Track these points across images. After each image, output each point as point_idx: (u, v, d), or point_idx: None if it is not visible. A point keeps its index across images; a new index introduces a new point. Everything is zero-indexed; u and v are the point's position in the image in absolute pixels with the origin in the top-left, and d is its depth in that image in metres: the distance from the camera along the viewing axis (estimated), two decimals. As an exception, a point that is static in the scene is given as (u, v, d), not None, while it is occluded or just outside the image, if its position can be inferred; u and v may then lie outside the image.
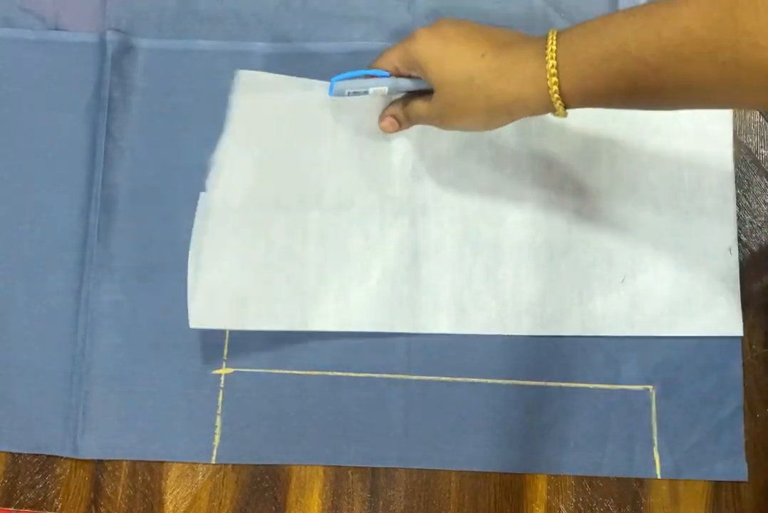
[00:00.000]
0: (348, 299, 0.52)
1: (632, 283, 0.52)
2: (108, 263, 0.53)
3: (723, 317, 0.51)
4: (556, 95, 0.40)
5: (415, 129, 0.53)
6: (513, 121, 0.45)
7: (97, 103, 0.55)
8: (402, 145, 0.53)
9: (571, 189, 0.53)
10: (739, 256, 0.53)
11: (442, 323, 0.52)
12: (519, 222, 0.53)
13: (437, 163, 0.53)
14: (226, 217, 0.51)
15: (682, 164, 0.53)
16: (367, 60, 0.55)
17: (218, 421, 0.51)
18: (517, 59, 0.41)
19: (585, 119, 0.53)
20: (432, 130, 0.50)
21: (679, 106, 0.40)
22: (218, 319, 0.50)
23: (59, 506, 0.51)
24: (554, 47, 0.40)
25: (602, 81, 0.39)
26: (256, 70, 0.53)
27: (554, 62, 0.39)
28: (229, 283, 0.50)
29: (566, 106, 0.41)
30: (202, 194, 0.51)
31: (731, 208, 0.53)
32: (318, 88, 0.51)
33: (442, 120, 0.47)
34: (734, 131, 0.54)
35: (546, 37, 0.41)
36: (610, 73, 0.38)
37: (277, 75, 0.52)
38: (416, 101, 0.48)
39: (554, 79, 0.40)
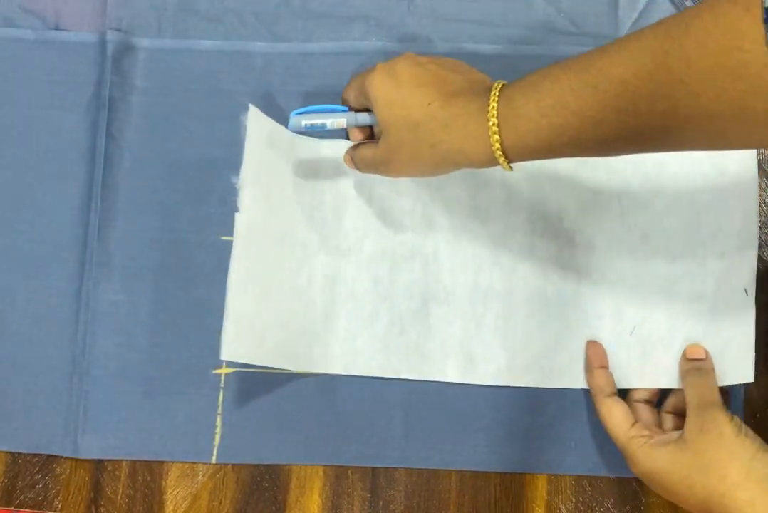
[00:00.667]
0: (355, 343, 0.52)
1: (641, 334, 0.50)
2: (108, 263, 0.53)
3: (734, 365, 0.49)
4: (498, 152, 0.40)
5: None
6: (458, 169, 0.44)
7: (97, 102, 0.55)
8: (411, 189, 0.52)
9: (582, 240, 0.52)
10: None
11: (450, 372, 0.51)
12: (530, 272, 0.52)
13: (449, 206, 0.52)
14: (253, 244, 0.48)
15: (701, 210, 0.51)
16: (366, 60, 0.55)
17: (218, 421, 0.51)
18: (461, 112, 0.41)
19: (595, 168, 0.52)
20: None
21: (626, 153, 0.40)
22: (244, 353, 0.47)
23: (59, 506, 0.51)
24: (495, 104, 0.40)
25: (544, 136, 0.39)
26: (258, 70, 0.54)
27: (495, 120, 0.39)
28: (252, 315, 0.48)
29: (510, 161, 0.41)
30: (237, 215, 0.48)
31: (753, 248, 0.50)
32: (323, 143, 0.53)
33: (386, 165, 0.46)
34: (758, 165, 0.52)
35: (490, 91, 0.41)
36: (552, 128, 0.38)
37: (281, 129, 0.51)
38: (364, 147, 0.48)
39: (496, 136, 0.40)
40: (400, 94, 0.43)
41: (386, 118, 0.44)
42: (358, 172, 0.49)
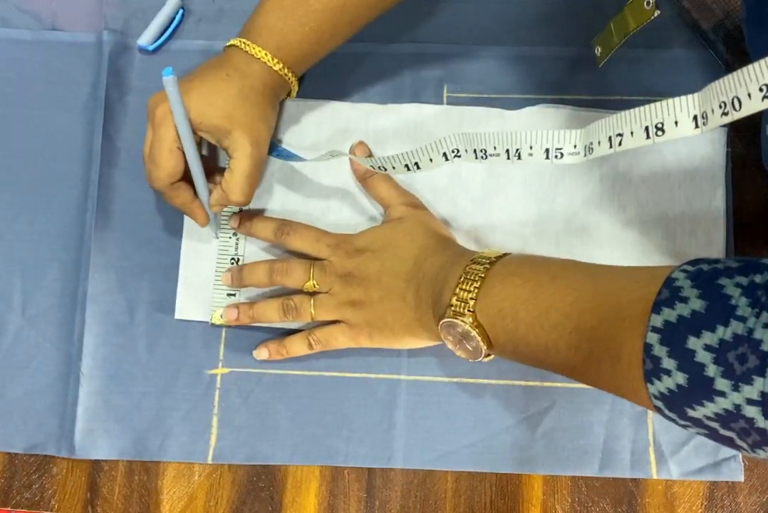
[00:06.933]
0: None
1: None
2: (104, 263, 0.53)
3: None
4: (286, 70, 0.49)
5: (407, 133, 0.54)
6: None
7: (94, 103, 0.55)
8: (393, 150, 0.53)
9: (562, 203, 0.53)
10: (735, 253, 0.53)
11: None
12: (510, 233, 0.52)
13: (431, 171, 0.53)
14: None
15: (673, 187, 0.53)
16: (366, 60, 0.55)
17: (214, 421, 0.51)
18: None
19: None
20: (425, 134, 0.52)
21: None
22: (201, 312, 0.52)
23: (56, 506, 0.51)
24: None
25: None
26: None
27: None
28: (212, 279, 0.52)
29: (294, 73, 0.49)
30: None
31: (720, 232, 0.52)
32: (288, 101, 0.54)
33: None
34: (727, 153, 0.53)
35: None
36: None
37: None
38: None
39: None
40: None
41: None
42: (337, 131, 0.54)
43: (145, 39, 0.54)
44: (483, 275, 0.42)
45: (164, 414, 0.52)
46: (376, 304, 0.47)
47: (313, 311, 0.49)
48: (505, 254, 0.44)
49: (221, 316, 0.51)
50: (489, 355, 0.44)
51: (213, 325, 0.52)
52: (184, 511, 0.51)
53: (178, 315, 0.52)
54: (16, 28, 0.56)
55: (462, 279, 0.42)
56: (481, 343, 0.42)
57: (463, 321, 0.42)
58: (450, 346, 0.44)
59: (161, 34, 0.55)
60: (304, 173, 0.54)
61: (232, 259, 0.53)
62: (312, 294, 0.49)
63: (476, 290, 0.42)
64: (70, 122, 0.55)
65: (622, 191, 0.53)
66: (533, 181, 0.53)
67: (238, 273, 0.51)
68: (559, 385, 0.51)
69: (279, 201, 0.53)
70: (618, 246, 0.52)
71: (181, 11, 0.55)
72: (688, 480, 0.50)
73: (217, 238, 0.53)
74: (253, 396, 0.52)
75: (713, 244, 0.52)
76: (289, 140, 0.54)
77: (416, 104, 0.54)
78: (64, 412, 0.52)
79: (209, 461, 0.51)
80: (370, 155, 0.53)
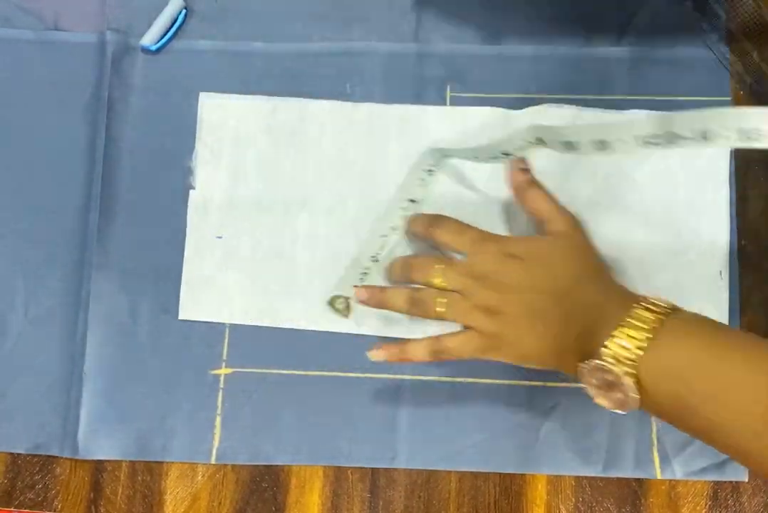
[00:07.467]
0: None
1: None
2: (107, 263, 0.53)
3: None
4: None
5: (409, 135, 0.53)
6: None
7: (97, 103, 0.55)
8: (396, 152, 0.53)
9: (565, 202, 0.52)
10: (738, 252, 0.53)
11: (430, 330, 0.51)
12: (513, 232, 0.52)
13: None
14: (210, 216, 0.53)
15: (677, 185, 0.52)
16: (366, 60, 0.55)
17: (218, 422, 0.51)
18: None
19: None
20: (425, 137, 0.53)
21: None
22: (205, 312, 0.52)
23: (59, 506, 0.51)
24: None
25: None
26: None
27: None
28: (217, 278, 0.52)
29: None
30: (191, 192, 0.53)
31: (724, 232, 0.52)
32: (291, 101, 0.54)
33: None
34: (731, 152, 0.53)
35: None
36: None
37: (241, 96, 0.55)
38: None
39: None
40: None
41: None
42: (337, 132, 0.53)
43: (148, 39, 0.54)
44: (656, 325, 0.37)
45: (167, 414, 0.51)
46: (513, 318, 0.43)
47: (443, 310, 0.45)
48: (675, 307, 0.40)
49: (350, 298, 0.51)
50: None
51: (331, 307, 0.52)
52: (188, 512, 0.51)
53: (182, 315, 0.52)
54: (18, 28, 0.56)
55: (627, 322, 0.38)
56: (635, 397, 0.38)
57: (621, 370, 0.37)
58: (590, 390, 0.40)
59: (164, 34, 0.55)
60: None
61: (373, 257, 0.52)
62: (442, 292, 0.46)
63: (648, 340, 0.37)
64: (72, 123, 0.55)
65: (626, 191, 0.53)
66: None
67: (387, 271, 0.50)
68: (562, 385, 0.51)
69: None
70: (622, 246, 0.52)
71: (184, 11, 0.55)
72: (692, 480, 0.50)
73: None
74: (256, 396, 0.52)
75: (717, 243, 0.52)
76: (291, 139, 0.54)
77: (420, 106, 0.54)
78: (67, 412, 0.52)
79: (212, 461, 0.51)
80: (528, 168, 0.50)
